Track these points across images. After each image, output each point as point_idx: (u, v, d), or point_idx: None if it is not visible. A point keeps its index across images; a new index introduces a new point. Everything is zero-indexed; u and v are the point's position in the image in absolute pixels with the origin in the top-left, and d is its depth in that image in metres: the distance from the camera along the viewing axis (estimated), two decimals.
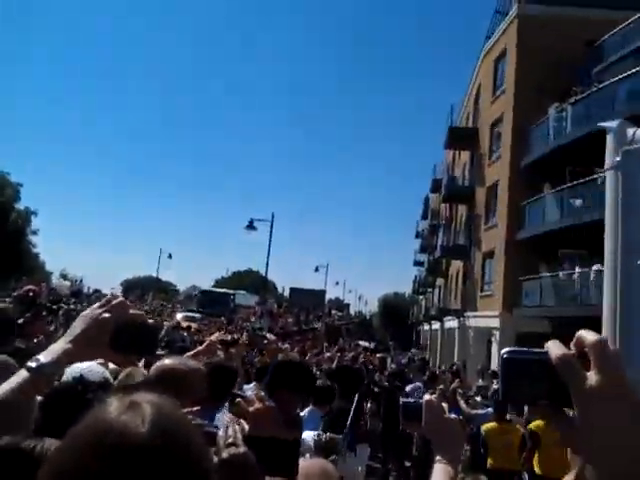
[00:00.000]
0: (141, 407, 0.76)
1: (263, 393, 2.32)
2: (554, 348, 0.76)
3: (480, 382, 10.65)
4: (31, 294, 4.88)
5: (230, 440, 1.32)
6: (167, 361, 2.46)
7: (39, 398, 2.27)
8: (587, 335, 0.73)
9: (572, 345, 0.75)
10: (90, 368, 2.54)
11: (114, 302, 1.23)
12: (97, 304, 1.25)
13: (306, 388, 2.77)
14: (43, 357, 1.16)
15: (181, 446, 0.75)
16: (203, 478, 0.78)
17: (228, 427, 1.36)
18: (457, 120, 31.95)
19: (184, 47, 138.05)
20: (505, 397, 0.84)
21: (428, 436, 1.39)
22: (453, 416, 1.37)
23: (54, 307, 8.06)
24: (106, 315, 1.20)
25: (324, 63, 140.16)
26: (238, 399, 1.48)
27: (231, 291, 46.99)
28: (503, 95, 23.20)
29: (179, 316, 30.97)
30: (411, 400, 1.45)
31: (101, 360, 3.90)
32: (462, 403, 8.33)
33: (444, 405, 1.38)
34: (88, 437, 0.74)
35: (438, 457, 1.34)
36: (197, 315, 31.93)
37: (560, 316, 17.51)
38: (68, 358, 1.18)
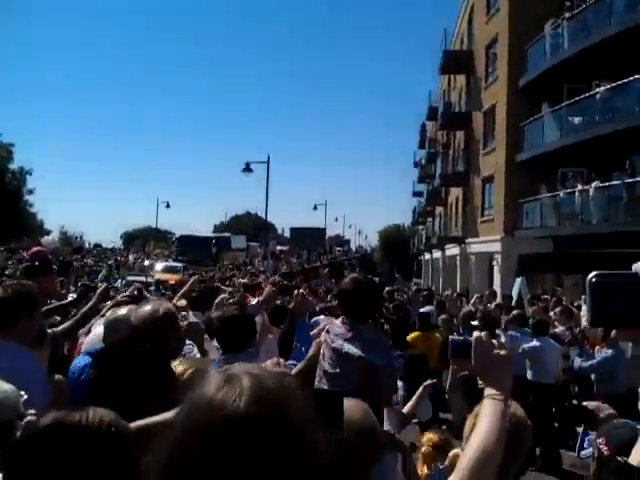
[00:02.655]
0: (239, 380, 0.75)
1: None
2: None
3: (489, 306, 10.82)
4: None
5: None
6: (145, 308, 2.31)
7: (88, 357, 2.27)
8: None
9: None
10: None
11: None
12: None
13: None
14: None
15: (282, 417, 0.73)
16: (310, 446, 0.76)
17: None
18: (451, 44, 30.95)
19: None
20: (594, 320, 0.84)
21: (477, 373, 1.40)
22: (503, 352, 1.36)
23: (91, 285, 8.07)
24: None
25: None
26: None
27: (212, 234, 46.20)
28: (497, 14, 22.35)
29: (158, 267, 27.47)
30: (459, 337, 1.46)
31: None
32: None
33: (494, 341, 1.37)
34: (190, 415, 0.75)
35: (490, 392, 1.32)
36: (178, 265, 28.66)
37: (561, 235, 17.64)
38: None
